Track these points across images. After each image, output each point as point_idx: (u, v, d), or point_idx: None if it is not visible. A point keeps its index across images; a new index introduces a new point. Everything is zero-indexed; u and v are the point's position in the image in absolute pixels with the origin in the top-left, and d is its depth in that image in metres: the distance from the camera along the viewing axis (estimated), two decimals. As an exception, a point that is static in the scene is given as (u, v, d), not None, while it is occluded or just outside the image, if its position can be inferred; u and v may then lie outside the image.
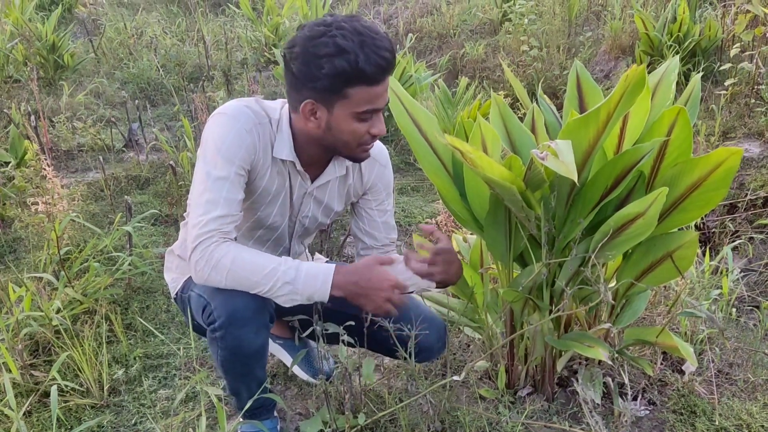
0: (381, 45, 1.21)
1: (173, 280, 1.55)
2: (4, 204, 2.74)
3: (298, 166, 1.39)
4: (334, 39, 1.18)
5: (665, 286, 1.95)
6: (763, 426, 1.53)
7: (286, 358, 1.83)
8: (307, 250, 1.70)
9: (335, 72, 1.19)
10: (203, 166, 1.29)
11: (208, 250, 1.25)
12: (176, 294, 1.54)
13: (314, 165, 1.42)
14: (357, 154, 1.35)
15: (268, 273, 1.25)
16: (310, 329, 1.38)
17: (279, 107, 1.38)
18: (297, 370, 1.79)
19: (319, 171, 1.44)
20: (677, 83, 1.47)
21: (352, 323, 1.40)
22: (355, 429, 1.43)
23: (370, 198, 1.55)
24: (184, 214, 1.50)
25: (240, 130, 1.29)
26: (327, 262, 1.68)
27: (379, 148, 1.53)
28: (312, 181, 1.44)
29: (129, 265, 2.23)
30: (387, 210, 1.58)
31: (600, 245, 1.35)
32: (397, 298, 1.31)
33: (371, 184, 1.53)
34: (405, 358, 1.44)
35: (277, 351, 1.85)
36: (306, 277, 1.26)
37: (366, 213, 1.57)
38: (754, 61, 3.35)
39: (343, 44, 1.18)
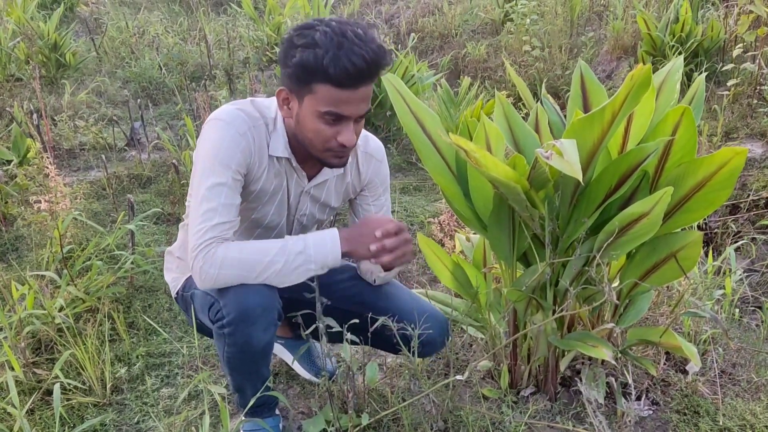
0: (358, 52, 1.17)
1: (174, 279, 1.55)
2: (7, 202, 2.74)
3: (294, 163, 1.39)
4: (315, 33, 1.19)
5: (668, 287, 1.95)
6: (767, 426, 1.53)
7: (288, 358, 1.83)
8: None
9: (301, 63, 1.19)
10: (200, 173, 1.30)
11: (210, 254, 1.26)
12: (177, 293, 1.54)
13: (310, 163, 1.42)
14: (325, 158, 1.32)
15: (278, 251, 1.27)
16: (313, 327, 1.38)
17: (274, 106, 1.38)
18: (299, 368, 1.79)
19: (316, 170, 1.44)
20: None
21: (356, 321, 1.40)
22: (358, 428, 1.43)
23: (367, 194, 1.56)
24: (184, 216, 1.50)
25: (235, 134, 1.29)
26: None
27: (375, 144, 1.53)
28: (309, 180, 1.44)
29: (131, 263, 2.23)
30: (383, 205, 1.58)
31: (604, 245, 1.34)
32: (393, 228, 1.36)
33: (368, 180, 1.54)
34: (409, 354, 1.44)
35: (279, 350, 1.85)
36: (315, 243, 1.29)
37: (363, 209, 1.57)
38: (757, 61, 3.35)
39: (320, 39, 1.18)
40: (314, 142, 1.29)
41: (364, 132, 1.52)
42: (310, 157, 1.38)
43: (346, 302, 1.48)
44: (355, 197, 1.57)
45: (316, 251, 1.29)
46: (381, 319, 1.39)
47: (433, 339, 1.49)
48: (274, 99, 1.39)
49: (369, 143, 1.52)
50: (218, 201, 1.28)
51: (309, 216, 1.51)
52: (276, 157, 1.37)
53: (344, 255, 1.35)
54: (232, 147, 1.29)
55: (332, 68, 1.17)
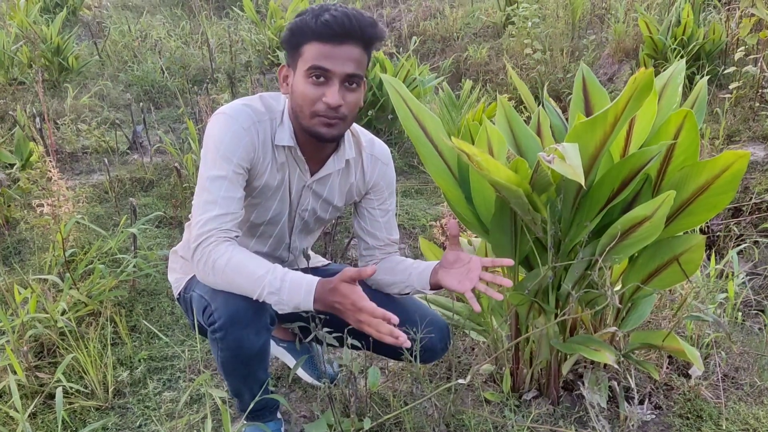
0: (340, 10, 1.25)
1: (176, 280, 1.56)
2: (9, 206, 2.75)
3: (298, 152, 1.39)
4: (308, 7, 1.30)
5: (671, 290, 1.95)
6: (769, 430, 1.53)
7: (291, 361, 1.83)
8: (302, 254, 1.69)
9: (290, 27, 1.29)
10: (203, 167, 1.32)
11: (207, 249, 1.26)
12: (179, 294, 1.54)
13: (314, 158, 1.43)
14: (313, 125, 1.30)
15: (256, 280, 1.24)
16: (312, 335, 1.38)
17: (283, 98, 1.40)
18: (301, 372, 1.79)
19: (319, 165, 1.45)
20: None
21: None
22: (360, 432, 1.43)
23: (372, 197, 1.55)
24: (189, 216, 1.51)
25: (238, 129, 1.31)
26: (327, 266, 1.68)
27: (381, 148, 1.53)
28: (311, 175, 1.45)
29: (134, 267, 2.23)
30: (389, 209, 1.58)
31: (607, 248, 1.34)
32: (366, 320, 1.20)
33: (374, 183, 1.54)
34: (410, 361, 1.43)
35: (281, 354, 1.85)
36: (290, 288, 1.24)
37: (368, 212, 1.57)
38: (759, 64, 3.35)
39: (309, 8, 1.28)
40: (303, 107, 1.30)
41: (370, 135, 1.52)
42: (313, 150, 1.39)
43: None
44: (360, 200, 1.57)
45: (289, 297, 1.24)
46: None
47: (434, 346, 1.49)
48: (281, 93, 1.41)
49: (375, 146, 1.52)
50: (218, 193, 1.29)
51: (310, 212, 1.51)
52: (281, 147, 1.38)
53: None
54: (235, 141, 1.30)
55: (313, 22, 1.24)
